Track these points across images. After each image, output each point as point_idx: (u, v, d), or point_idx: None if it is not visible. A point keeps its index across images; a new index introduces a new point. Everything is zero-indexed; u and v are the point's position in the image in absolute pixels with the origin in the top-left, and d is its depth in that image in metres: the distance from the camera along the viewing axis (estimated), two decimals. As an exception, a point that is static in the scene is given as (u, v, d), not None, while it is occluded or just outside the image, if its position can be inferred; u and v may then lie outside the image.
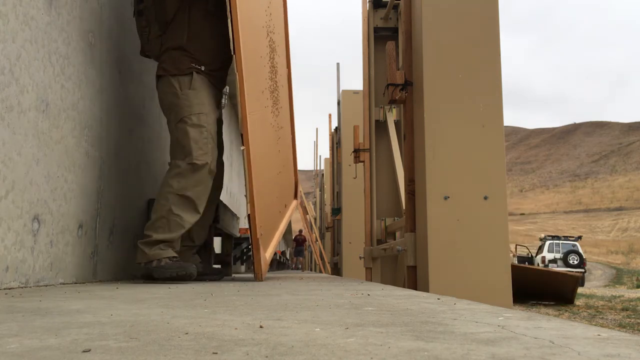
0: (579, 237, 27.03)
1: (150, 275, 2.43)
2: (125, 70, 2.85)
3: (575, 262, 24.71)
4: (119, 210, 2.75)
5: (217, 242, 5.22)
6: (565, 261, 24.82)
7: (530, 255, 24.91)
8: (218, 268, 2.81)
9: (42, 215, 1.94)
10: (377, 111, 4.07)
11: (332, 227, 9.39)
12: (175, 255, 2.49)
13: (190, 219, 2.54)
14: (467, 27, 2.33)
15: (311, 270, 18.07)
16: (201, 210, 2.59)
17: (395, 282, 3.71)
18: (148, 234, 2.51)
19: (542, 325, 0.78)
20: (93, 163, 2.41)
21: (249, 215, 2.46)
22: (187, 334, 0.70)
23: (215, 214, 3.12)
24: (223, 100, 2.96)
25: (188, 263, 2.50)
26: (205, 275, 2.80)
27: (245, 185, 2.46)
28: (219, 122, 2.89)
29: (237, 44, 2.44)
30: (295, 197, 4.09)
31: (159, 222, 2.50)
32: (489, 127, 2.27)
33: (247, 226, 6.06)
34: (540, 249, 26.18)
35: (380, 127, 4.09)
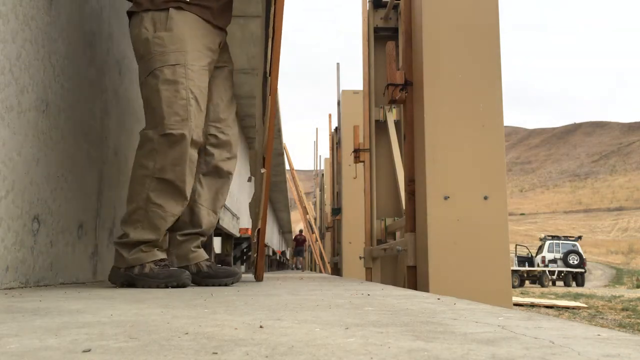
0: (579, 237, 27.05)
1: (132, 284, 1.98)
2: (125, 70, 2.86)
3: (575, 262, 24.71)
4: (119, 210, 2.75)
5: (217, 242, 5.22)
6: (565, 261, 24.83)
7: (530, 255, 24.92)
8: (229, 269, 2.22)
9: (42, 215, 1.94)
10: (377, 111, 4.07)
11: (332, 227, 9.39)
12: (162, 257, 2.03)
13: (174, 209, 2.03)
14: (467, 27, 2.33)
15: (311, 270, 18.07)
16: (188, 194, 2.06)
17: (395, 282, 3.71)
18: (125, 230, 2.02)
19: (542, 325, 0.78)
20: (93, 163, 2.41)
21: (258, 230, 2.47)
22: (187, 334, 0.70)
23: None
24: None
25: (179, 269, 2.00)
26: (211, 278, 2.17)
27: (260, 204, 2.43)
28: (221, 72, 2.29)
29: (276, 63, 2.25)
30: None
31: (136, 214, 2.01)
32: (489, 127, 2.27)
33: (246, 226, 6.06)
34: (540, 249, 26.20)
35: (380, 127, 4.09)
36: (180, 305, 1.16)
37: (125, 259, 1.99)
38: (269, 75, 2.27)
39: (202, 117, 2.10)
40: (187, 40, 2.05)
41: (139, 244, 2.01)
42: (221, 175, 2.31)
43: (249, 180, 2.55)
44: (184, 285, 1.96)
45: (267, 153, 2.39)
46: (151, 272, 1.97)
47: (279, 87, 3.07)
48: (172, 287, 1.93)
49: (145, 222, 2.01)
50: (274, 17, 2.25)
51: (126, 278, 1.99)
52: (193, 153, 2.05)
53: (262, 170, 2.40)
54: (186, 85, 2.02)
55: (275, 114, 2.31)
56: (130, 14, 2.11)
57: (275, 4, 2.24)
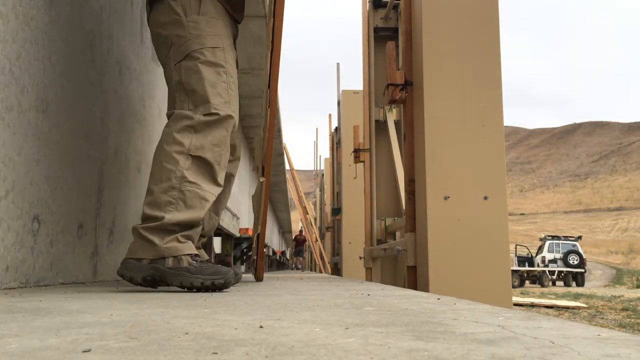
0: (579, 237, 27.05)
1: (159, 279, 1.67)
2: (125, 70, 2.85)
3: (575, 262, 24.72)
4: (119, 210, 2.75)
5: (217, 242, 5.22)
6: (565, 261, 24.84)
7: (530, 256, 24.92)
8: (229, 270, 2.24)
9: (42, 215, 1.93)
10: (377, 111, 4.07)
11: (332, 227, 9.39)
12: (196, 252, 1.75)
13: (212, 189, 1.82)
14: (467, 27, 2.33)
15: (311, 270, 18.07)
16: (222, 182, 1.87)
17: (395, 282, 3.71)
18: (153, 214, 1.71)
19: (542, 325, 0.78)
20: (93, 163, 2.41)
21: (258, 235, 2.49)
22: (187, 334, 0.70)
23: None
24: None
25: (223, 267, 1.71)
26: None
27: (260, 210, 2.45)
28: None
29: (275, 73, 2.23)
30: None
31: (168, 195, 1.73)
32: (489, 127, 2.27)
33: (246, 227, 6.05)
34: (540, 249, 26.20)
35: (380, 127, 4.09)
36: (180, 305, 1.16)
37: (156, 247, 1.68)
38: (268, 88, 2.26)
39: (238, 102, 1.95)
40: (222, 28, 1.96)
41: (175, 230, 1.71)
42: (227, 177, 2.21)
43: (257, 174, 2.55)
44: (228, 285, 1.68)
45: (266, 163, 2.40)
46: (191, 267, 1.66)
47: (279, 86, 3.07)
48: (218, 287, 1.65)
49: (180, 203, 1.74)
50: (273, 32, 2.23)
51: (153, 272, 1.67)
52: (229, 139, 1.90)
53: (261, 179, 2.40)
54: (226, 69, 1.91)
55: (274, 127, 2.32)
56: (152, 2, 2.00)
57: (274, 18, 2.21)
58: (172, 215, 1.71)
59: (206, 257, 2.13)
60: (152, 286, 1.70)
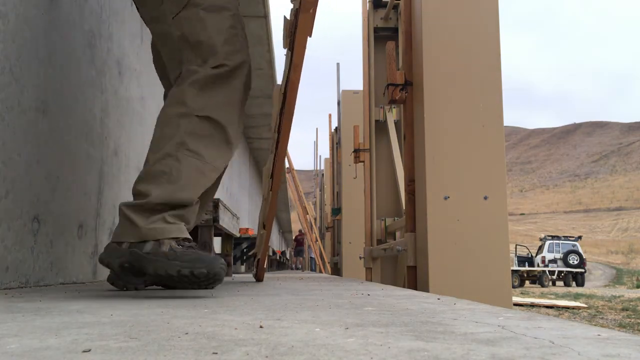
0: (579, 237, 27.06)
1: (136, 266, 1.40)
2: (125, 70, 2.86)
3: (575, 262, 24.73)
4: (119, 210, 2.75)
5: (217, 242, 5.22)
6: (565, 261, 24.85)
7: (530, 255, 24.93)
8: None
9: (42, 215, 1.93)
10: (377, 111, 4.07)
11: (332, 227, 9.39)
12: (188, 236, 1.48)
13: (216, 160, 1.54)
14: (467, 26, 2.33)
15: (311, 270, 18.06)
16: (235, 146, 1.61)
17: (395, 282, 3.71)
18: (142, 190, 1.48)
19: (542, 325, 0.78)
20: (93, 163, 2.41)
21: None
22: (187, 334, 0.70)
23: (215, 213, 3.11)
24: None
25: (210, 255, 1.39)
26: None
27: (260, 249, 2.49)
28: None
29: (284, 141, 2.02)
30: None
31: (162, 164, 1.48)
32: (489, 127, 2.27)
33: (246, 226, 6.05)
34: (540, 249, 26.22)
35: (380, 127, 4.09)
36: (180, 305, 1.16)
37: (137, 229, 1.42)
38: (273, 166, 2.08)
39: (250, 60, 1.67)
40: None
41: (162, 209, 1.45)
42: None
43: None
44: (215, 277, 1.34)
45: (267, 221, 2.42)
46: (171, 252, 1.37)
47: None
48: (200, 276, 1.32)
49: (174, 174, 1.47)
50: (284, 101, 1.95)
51: (129, 257, 1.41)
52: (246, 96, 1.64)
53: (262, 232, 2.46)
54: (234, 12, 1.64)
55: (277, 192, 2.26)
56: None
57: (287, 86, 1.90)
58: (161, 191, 1.45)
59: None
60: (133, 274, 1.45)
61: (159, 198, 1.45)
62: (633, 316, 8.54)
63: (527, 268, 23.62)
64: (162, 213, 1.45)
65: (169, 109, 1.55)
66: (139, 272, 1.43)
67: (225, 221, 3.50)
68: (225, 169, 1.69)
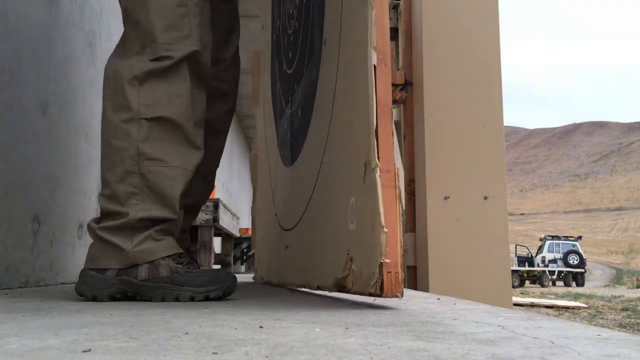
0: (579, 237, 27.07)
1: (132, 296, 1.26)
2: (125, 70, 2.86)
3: (575, 262, 24.74)
4: (119, 210, 2.75)
5: (217, 242, 5.22)
6: (565, 261, 24.85)
7: (530, 255, 24.92)
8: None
9: (42, 215, 1.93)
10: (377, 111, 4.06)
11: (332, 227, 9.36)
12: (181, 250, 1.33)
13: (182, 160, 1.33)
14: (467, 26, 2.33)
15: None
16: (198, 140, 1.37)
17: (395, 282, 3.71)
18: (114, 208, 1.28)
19: (542, 325, 0.78)
20: (93, 163, 2.41)
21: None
22: (187, 334, 0.70)
23: (215, 213, 3.12)
24: None
25: (220, 271, 1.33)
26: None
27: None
28: None
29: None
30: None
31: (127, 183, 1.28)
32: (489, 127, 2.27)
33: (246, 226, 6.04)
34: (540, 249, 26.22)
35: (380, 127, 4.09)
36: (180, 305, 1.16)
37: (122, 252, 1.25)
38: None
39: (209, 33, 1.41)
40: None
41: (145, 226, 1.27)
42: (216, 133, 1.65)
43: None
44: (229, 295, 1.29)
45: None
46: (175, 275, 1.24)
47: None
48: (215, 299, 1.23)
49: (145, 192, 1.28)
50: None
51: (124, 287, 1.25)
52: (199, 83, 1.39)
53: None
54: None
55: None
56: None
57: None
58: (139, 210, 1.27)
59: (189, 244, 1.69)
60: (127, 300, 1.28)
61: (139, 215, 1.27)
62: (633, 316, 8.54)
63: (527, 268, 23.62)
64: (147, 230, 1.28)
65: (113, 115, 1.32)
66: (135, 298, 1.28)
67: (225, 221, 3.50)
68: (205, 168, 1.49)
